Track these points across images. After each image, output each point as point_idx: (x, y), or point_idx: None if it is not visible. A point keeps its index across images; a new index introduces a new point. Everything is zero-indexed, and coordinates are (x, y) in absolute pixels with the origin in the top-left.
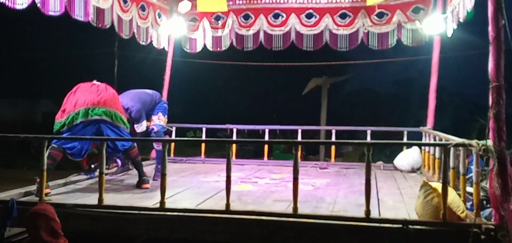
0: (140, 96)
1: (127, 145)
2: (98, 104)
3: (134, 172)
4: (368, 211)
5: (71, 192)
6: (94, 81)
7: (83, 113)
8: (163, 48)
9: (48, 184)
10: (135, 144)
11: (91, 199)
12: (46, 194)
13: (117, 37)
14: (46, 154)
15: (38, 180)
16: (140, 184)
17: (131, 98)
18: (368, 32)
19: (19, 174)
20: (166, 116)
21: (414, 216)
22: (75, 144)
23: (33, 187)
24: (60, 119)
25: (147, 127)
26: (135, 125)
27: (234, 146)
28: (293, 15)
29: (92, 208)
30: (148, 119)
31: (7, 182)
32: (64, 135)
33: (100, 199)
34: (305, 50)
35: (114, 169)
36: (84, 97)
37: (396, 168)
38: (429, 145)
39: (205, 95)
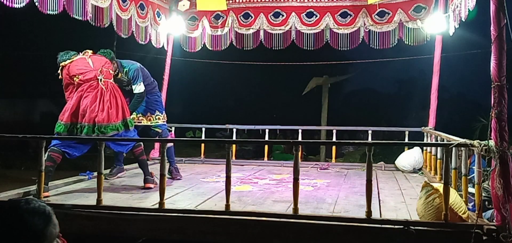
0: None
1: (131, 144)
2: (105, 121)
3: (131, 172)
4: (369, 212)
5: (70, 192)
6: (102, 73)
7: (90, 130)
8: (162, 47)
9: (48, 188)
10: (141, 142)
11: (90, 199)
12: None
13: (116, 36)
14: (45, 156)
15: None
16: (145, 183)
17: (128, 62)
18: (369, 31)
19: (18, 174)
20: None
21: (415, 217)
22: (75, 151)
23: (32, 188)
24: (64, 121)
25: (149, 126)
26: (132, 86)
27: (233, 146)
28: (293, 14)
29: (91, 209)
30: (145, 114)
31: (6, 182)
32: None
33: (99, 200)
34: (305, 49)
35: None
36: (93, 112)
37: (397, 169)
38: (430, 145)
39: (205, 95)
